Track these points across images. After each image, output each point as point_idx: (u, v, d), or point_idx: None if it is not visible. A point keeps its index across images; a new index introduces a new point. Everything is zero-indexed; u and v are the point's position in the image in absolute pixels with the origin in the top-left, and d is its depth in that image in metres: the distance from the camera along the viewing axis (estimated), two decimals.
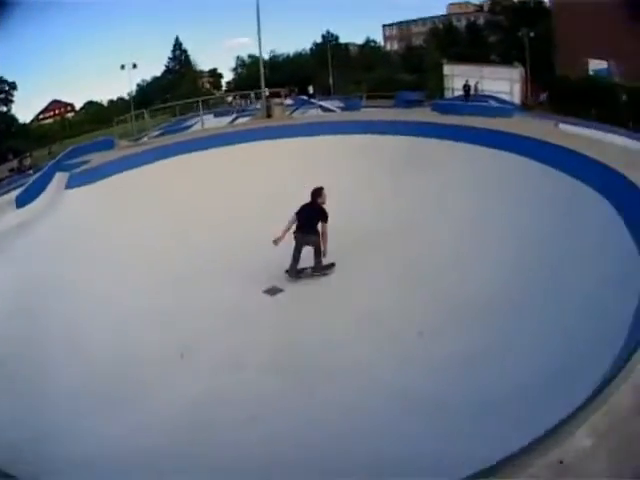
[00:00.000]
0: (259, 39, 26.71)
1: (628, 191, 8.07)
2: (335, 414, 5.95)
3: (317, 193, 10.50)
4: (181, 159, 15.34)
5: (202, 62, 68.87)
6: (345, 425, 5.71)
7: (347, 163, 14.41)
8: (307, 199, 10.85)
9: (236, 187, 13.85)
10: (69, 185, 14.04)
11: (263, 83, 25.00)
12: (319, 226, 10.28)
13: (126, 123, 25.62)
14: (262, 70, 26.72)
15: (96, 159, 15.89)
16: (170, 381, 7.00)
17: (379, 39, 66.99)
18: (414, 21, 63.32)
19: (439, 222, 11.38)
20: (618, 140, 12.80)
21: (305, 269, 10.44)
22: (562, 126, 15.48)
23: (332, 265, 10.61)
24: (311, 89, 44.81)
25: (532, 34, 48.88)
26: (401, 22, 64.54)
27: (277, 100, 23.39)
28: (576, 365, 5.26)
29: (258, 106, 25.39)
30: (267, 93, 25.52)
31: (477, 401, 5.63)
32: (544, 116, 22.15)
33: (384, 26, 65.69)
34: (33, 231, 11.08)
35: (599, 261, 7.39)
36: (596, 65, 48.25)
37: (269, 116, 21.37)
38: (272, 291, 9.95)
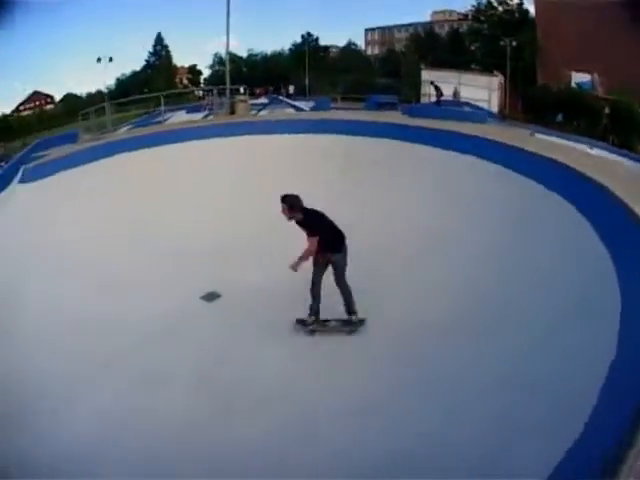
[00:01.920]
0: (227, 34, 27.44)
1: (594, 195, 7.93)
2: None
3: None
4: (130, 155, 14.62)
5: (183, 59, 69.20)
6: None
7: (286, 161, 13.85)
8: (244, 198, 11.38)
9: (175, 186, 13.17)
10: (23, 179, 13.65)
11: (228, 80, 24.96)
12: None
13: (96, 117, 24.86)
14: (227, 67, 27.47)
15: (55, 153, 15.53)
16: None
17: (361, 43, 67.45)
18: (397, 27, 63.72)
19: (386, 228, 10.89)
20: (592, 151, 12.60)
21: (329, 321, 8.33)
22: (538, 136, 15.10)
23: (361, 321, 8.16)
24: (292, 89, 44.96)
25: (514, 44, 49.05)
26: (384, 27, 64.88)
27: (241, 97, 23.34)
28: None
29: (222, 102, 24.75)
30: (241, 91, 25.27)
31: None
32: (520, 125, 21.77)
33: (366, 30, 65.99)
34: None
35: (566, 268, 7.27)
36: (579, 78, 48.65)
37: (232, 113, 20.99)
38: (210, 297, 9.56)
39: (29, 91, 68.29)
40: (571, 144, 13.80)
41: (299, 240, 8.55)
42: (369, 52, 66.66)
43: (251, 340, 7.92)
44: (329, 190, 11.85)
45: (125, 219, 11.80)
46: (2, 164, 30.21)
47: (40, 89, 69.23)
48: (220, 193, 12.75)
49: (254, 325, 8.30)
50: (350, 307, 8.00)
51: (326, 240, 7.81)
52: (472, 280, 8.41)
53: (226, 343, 7.91)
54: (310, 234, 7.83)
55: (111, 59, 53.18)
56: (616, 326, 5.25)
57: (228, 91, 24.28)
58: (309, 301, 8.18)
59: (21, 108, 69.29)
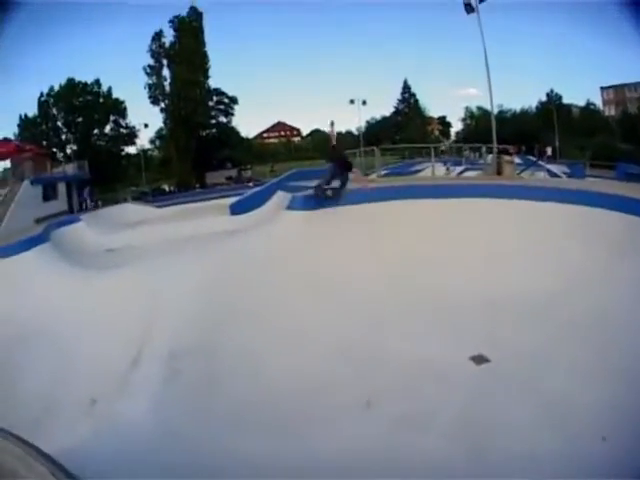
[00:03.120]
0: (490, 92, 28.38)
1: None
2: None
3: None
4: (405, 203, 15.58)
5: (430, 108, 70.58)
6: None
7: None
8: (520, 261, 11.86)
9: (452, 239, 13.51)
10: (290, 206, 15.12)
11: (495, 138, 25.37)
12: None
13: (354, 157, 26.85)
14: (494, 125, 27.77)
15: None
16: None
17: (597, 101, 65.97)
18: (627, 85, 61.09)
19: None
20: None
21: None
22: None
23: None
24: (549, 150, 44.23)
25: None
26: (617, 85, 62.56)
27: (508, 158, 23.10)
28: None
29: (488, 161, 25.71)
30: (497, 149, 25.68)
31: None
32: None
33: (602, 88, 64.04)
34: (242, 241, 12.04)
35: None
36: None
37: (499, 173, 21.43)
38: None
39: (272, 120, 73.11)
40: None
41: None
42: (606, 112, 64.92)
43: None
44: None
45: (391, 264, 12.61)
46: (250, 184, 33.61)
47: (283, 120, 74.02)
48: (499, 253, 12.68)
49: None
50: None
51: None
52: None
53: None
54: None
55: (364, 102, 55.80)
56: None
57: (495, 150, 24.85)
58: None
59: (265, 135, 74.67)
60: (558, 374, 8.27)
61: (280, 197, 16.20)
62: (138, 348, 8.43)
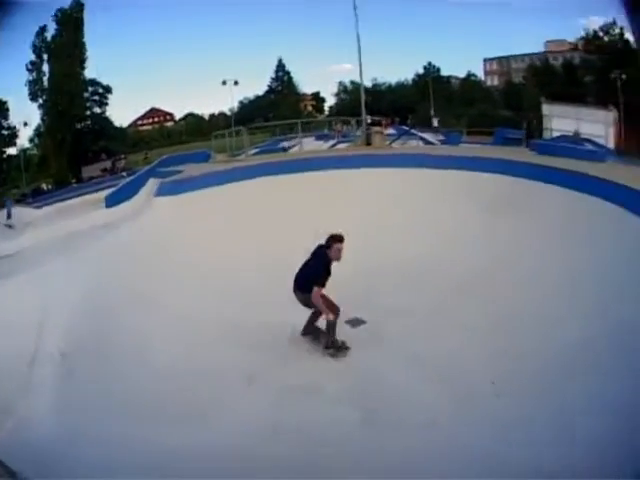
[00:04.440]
0: (360, 65, 27.62)
1: None
2: None
3: (332, 241, 9.23)
4: (271, 179, 15.84)
5: (304, 85, 70.19)
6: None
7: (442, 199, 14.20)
8: (388, 228, 12.41)
9: (323, 213, 13.27)
10: (159, 193, 14.91)
11: (364, 110, 25.74)
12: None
13: (224, 138, 26.55)
14: (363, 97, 27.80)
15: (189, 170, 17.02)
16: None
17: (479, 73, 66.92)
18: (513, 57, 62.85)
19: (520, 271, 10.96)
20: None
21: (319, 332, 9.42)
22: None
23: (343, 347, 9.12)
24: (436, 122, 45.43)
25: (624, 76, 48.12)
26: (501, 57, 64.18)
27: (377, 128, 23.51)
28: None
29: (358, 133, 25.68)
30: (369, 121, 25.97)
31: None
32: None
33: (485, 60, 65.56)
34: (117, 233, 12.03)
35: None
36: None
37: (368, 144, 21.75)
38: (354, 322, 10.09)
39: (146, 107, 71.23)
40: None
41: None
42: (489, 83, 66.16)
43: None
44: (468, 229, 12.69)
45: (262, 241, 12.77)
46: (124, 174, 32.74)
47: (157, 106, 72.23)
48: (362, 222, 12.94)
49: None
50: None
51: None
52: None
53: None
54: (318, 284, 9.00)
55: (236, 82, 55.07)
56: None
57: (364, 121, 24.93)
58: None
59: (139, 122, 72.58)
60: (440, 332, 8.66)
61: (151, 184, 15.80)
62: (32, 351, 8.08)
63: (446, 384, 7.58)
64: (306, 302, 9.06)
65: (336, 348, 9.01)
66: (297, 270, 9.48)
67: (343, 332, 9.46)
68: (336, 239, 9.06)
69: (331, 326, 8.94)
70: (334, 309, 9.03)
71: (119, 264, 10.91)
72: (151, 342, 8.81)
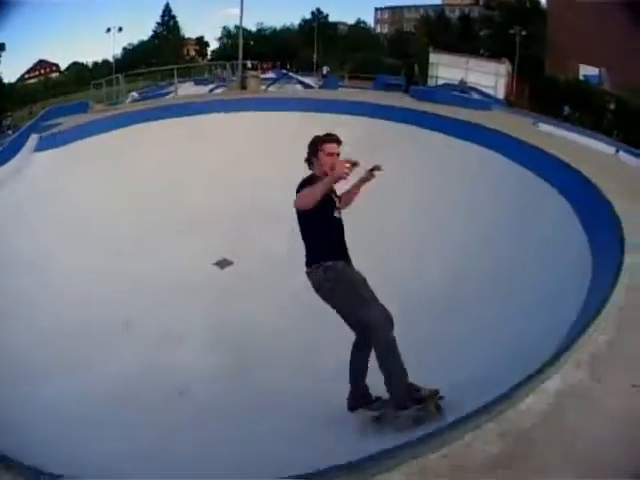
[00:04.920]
0: (241, 7, 26.65)
1: (585, 189, 8.05)
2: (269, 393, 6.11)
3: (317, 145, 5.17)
4: (144, 127, 14.93)
5: (192, 30, 68.23)
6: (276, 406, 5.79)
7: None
8: (254, 170, 11.94)
9: (191, 157, 13.51)
10: (38, 148, 13.79)
11: (241, 54, 24.78)
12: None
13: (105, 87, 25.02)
14: (241, 41, 26.65)
15: (69, 122, 15.65)
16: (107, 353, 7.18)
17: (370, 21, 66.84)
18: (407, 7, 63.03)
19: (389, 209, 11.03)
20: (595, 145, 12.82)
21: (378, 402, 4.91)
22: (542, 125, 15.29)
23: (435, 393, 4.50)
24: (325, 69, 44.34)
25: (524, 33, 49.00)
26: (394, 7, 64.25)
27: (253, 73, 23.22)
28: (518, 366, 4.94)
29: (234, 77, 24.94)
30: (248, 65, 25.16)
31: None
32: (524, 113, 21.97)
33: (376, 9, 65.36)
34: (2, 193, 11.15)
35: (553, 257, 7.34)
36: (588, 71, 48.68)
37: (244, 88, 21.08)
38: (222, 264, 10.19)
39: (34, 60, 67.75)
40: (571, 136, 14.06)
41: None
42: (378, 31, 65.92)
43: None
44: None
45: (140, 189, 12.27)
46: (10, 132, 30.51)
47: (45, 58, 68.69)
48: (232, 166, 13.06)
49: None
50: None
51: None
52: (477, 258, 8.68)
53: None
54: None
55: (121, 29, 52.61)
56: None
57: (240, 66, 24.11)
58: None
59: (26, 77, 68.77)
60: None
61: (32, 140, 14.53)
62: None
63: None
64: (325, 290, 4.81)
65: (418, 401, 4.48)
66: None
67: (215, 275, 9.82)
68: (323, 140, 5.14)
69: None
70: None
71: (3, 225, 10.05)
72: (36, 300, 8.25)
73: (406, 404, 4.46)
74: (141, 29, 75.78)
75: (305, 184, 4.89)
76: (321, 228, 4.87)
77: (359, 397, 4.96)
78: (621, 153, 12.63)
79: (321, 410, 5.50)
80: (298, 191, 4.89)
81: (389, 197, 10.61)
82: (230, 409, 5.86)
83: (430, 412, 4.38)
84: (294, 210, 4.96)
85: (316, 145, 5.13)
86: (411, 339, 5.04)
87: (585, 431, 3.02)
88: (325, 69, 44.25)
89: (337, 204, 5.06)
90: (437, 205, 10.72)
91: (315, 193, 4.57)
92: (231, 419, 5.60)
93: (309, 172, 5.07)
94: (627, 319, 4.22)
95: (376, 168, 5.03)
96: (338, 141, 5.10)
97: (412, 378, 4.53)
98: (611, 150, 12.82)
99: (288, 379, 6.37)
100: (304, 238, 4.98)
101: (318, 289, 4.81)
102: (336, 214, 5.02)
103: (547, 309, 5.92)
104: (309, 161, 5.19)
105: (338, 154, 4.97)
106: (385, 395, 4.66)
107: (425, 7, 61.41)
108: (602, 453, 2.86)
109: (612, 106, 43.40)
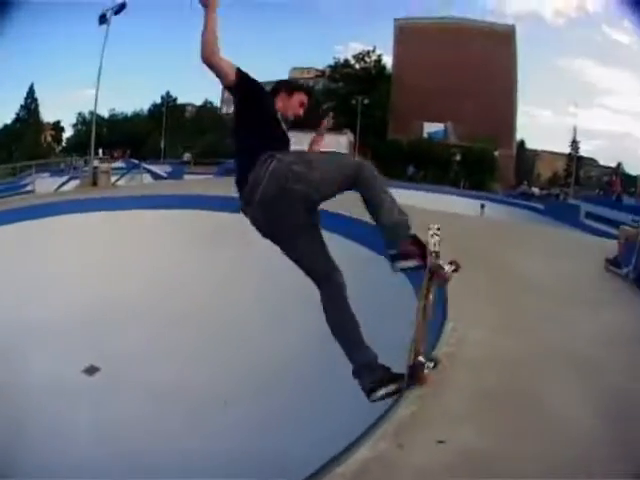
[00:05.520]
0: (96, 96, 27.34)
1: None
2: None
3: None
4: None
5: (50, 111, 66.50)
6: None
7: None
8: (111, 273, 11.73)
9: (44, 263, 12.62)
10: None
11: (92, 146, 25.10)
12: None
13: None
14: (94, 130, 27.30)
15: None
16: None
17: (217, 101, 67.93)
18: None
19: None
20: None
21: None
22: None
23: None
24: (187, 156, 44.83)
25: (366, 101, 51.76)
26: None
27: (104, 167, 23.22)
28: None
29: (86, 169, 25.11)
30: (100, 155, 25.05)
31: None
32: None
33: (223, 88, 66.18)
34: None
35: None
36: (432, 127, 51.87)
37: (94, 184, 21.31)
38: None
39: None
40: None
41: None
42: (224, 111, 65.01)
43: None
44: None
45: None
46: None
47: None
48: (87, 268, 12.57)
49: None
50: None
51: None
52: None
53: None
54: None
55: None
56: None
57: (92, 159, 24.51)
58: None
59: None
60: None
61: None
62: None
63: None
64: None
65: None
66: None
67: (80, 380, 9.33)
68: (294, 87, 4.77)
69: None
70: None
71: None
72: None
73: (411, 253, 3.99)
74: (4, 111, 73.03)
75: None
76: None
77: (374, 370, 4.03)
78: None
79: None
80: None
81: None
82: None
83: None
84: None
85: (292, 87, 4.77)
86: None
87: None
88: (187, 156, 44.90)
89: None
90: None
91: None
92: None
93: None
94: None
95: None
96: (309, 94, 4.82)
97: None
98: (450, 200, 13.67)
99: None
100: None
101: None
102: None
103: None
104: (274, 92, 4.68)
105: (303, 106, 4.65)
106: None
107: (270, 83, 62.95)
108: None
109: (458, 157, 46.78)
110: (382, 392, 3.93)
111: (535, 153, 61.76)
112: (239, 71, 4.10)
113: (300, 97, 4.64)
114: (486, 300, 6.55)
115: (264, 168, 3.89)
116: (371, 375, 3.98)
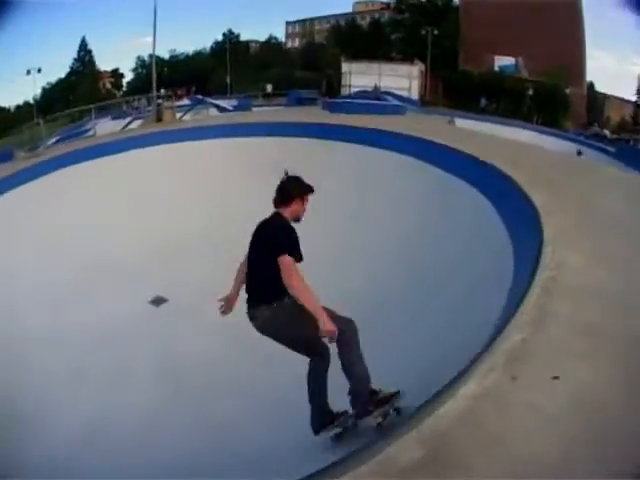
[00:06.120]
0: (154, 39, 26.82)
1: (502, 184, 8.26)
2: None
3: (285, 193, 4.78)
4: (66, 172, 14.41)
5: (106, 62, 66.93)
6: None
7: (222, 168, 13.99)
8: (179, 206, 11.62)
9: (115, 198, 13.00)
10: None
11: (155, 85, 24.59)
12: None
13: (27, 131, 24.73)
14: (155, 71, 26.58)
15: None
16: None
17: (282, 36, 66.91)
18: (318, 19, 63.14)
19: (317, 222, 10.89)
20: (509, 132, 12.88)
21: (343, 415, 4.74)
22: (458, 121, 15.48)
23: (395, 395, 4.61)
24: (269, 87, 43.96)
25: (436, 32, 49.76)
26: (304, 20, 64.31)
27: (168, 103, 23.25)
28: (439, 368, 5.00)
29: (150, 109, 24.40)
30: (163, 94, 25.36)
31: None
32: (440, 112, 22.27)
33: (287, 23, 65.33)
34: None
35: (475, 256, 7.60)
36: (503, 61, 49.73)
37: (159, 120, 20.97)
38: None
39: None
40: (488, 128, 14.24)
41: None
42: (289, 45, 66.14)
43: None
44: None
45: (71, 232, 11.75)
46: None
47: None
48: (156, 202, 12.82)
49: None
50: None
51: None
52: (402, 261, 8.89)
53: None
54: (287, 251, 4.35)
55: (40, 70, 51.21)
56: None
57: (155, 98, 24.02)
58: None
59: None
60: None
61: None
62: None
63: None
64: (271, 329, 4.48)
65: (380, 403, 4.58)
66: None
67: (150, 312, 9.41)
68: (310, 189, 4.85)
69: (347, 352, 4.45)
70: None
71: None
72: None
73: (369, 408, 4.52)
74: (60, 67, 73.97)
75: (268, 226, 4.64)
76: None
77: (322, 416, 4.71)
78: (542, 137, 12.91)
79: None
80: (260, 232, 4.65)
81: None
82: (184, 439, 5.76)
83: (389, 416, 4.52)
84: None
85: (304, 190, 4.81)
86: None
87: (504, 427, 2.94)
88: (269, 87, 44.08)
89: None
90: (360, 211, 11.01)
91: (299, 282, 4.21)
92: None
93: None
94: (546, 312, 4.08)
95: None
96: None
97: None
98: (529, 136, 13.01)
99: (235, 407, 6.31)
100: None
101: (263, 329, 4.45)
102: None
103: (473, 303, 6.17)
104: (283, 199, 4.69)
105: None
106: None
107: (335, 17, 61.63)
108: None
109: (530, 92, 44.61)
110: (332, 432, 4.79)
111: (604, 96, 58.65)
112: None
113: (308, 198, 4.88)
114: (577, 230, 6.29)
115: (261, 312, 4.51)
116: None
